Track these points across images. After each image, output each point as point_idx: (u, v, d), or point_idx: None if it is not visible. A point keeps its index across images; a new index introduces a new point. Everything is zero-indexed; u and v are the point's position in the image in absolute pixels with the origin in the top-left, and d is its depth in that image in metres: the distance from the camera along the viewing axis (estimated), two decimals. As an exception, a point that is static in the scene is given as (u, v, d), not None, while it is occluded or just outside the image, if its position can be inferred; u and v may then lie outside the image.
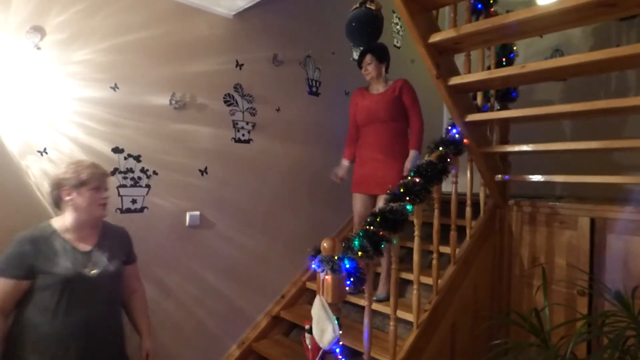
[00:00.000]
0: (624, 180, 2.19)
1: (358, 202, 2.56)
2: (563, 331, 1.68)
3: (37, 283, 1.47)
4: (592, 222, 2.19)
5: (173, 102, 2.23)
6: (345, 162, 2.64)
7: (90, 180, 1.55)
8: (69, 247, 1.54)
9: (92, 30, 1.97)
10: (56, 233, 1.54)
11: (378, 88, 2.55)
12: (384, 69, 2.53)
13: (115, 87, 2.05)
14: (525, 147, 2.24)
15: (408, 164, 2.37)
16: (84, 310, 1.51)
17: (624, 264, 2.07)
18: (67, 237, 1.55)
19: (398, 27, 3.68)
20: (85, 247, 1.58)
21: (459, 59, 2.19)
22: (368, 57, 2.48)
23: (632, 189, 2.73)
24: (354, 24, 2.26)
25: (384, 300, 2.35)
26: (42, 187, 1.83)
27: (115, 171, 2.05)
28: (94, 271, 1.54)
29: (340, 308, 1.60)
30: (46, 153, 1.85)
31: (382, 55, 2.50)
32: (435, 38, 1.88)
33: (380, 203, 2.41)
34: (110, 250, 1.63)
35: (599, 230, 2.17)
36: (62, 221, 1.57)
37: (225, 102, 2.47)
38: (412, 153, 2.40)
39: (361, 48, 2.55)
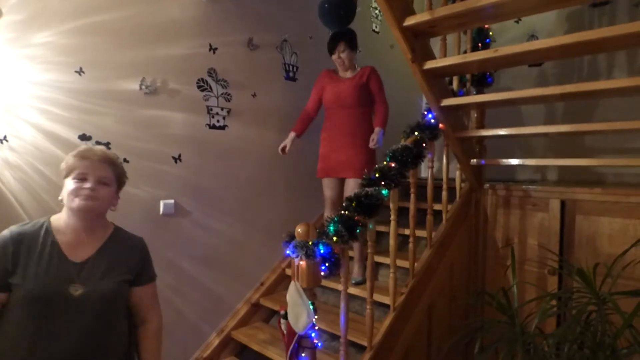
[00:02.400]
0: (594, 163, 2.24)
1: (327, 186, 2.57)
2: (533, 309, 1.72)
3: (11, 296, 1.15)
4: (563, 204, 2.24)
5: (143, 87, 2.16)
6: (292, 135, 2.58)
7: (73, 167, 1.24)
8: (57, 253, 1.20)
9: (54, 11, 1.87)
10: (48, 231, 1.22)
11: (346, 73, 2.54)
12: (354, 57, 2.52)
13: (80, 72, 1.96)
14: (500, 131, 2.26)
15: (375, 136, 2.38)
16: (60, 341, 1.14)
17: (591, 244, 2.13)
18: (60, 239, 1.22)
19: (377, 11, 3.64)
20: (79, 256, 1.23)
21: (435, 45, 2.18)
22: (342, 45, 2.45)
23: (601, 171, 2.81)
24: (326, 6, 2.22)
25: (360, 283, 2.38)
26: (2, 176, 1.75)
27: (83, 159, 1.97)
28: (79, 291, 1.17)
29: (316, 293, 1.60)
30: (7, 141, 1.77)
31: (354, 43, 2.50)
32: (410, 21, 1.86)
33: (350, 186, 2.42)
34: (111, 265, 1.26)
35: (568, 211, 2.23)
36: (58, 219, 1.27)
37: (198, 87, 2.40)
38: (377, 129, 2.42)
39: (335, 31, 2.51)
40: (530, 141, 3.23)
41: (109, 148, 2.05)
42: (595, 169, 2.84)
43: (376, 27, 3.65)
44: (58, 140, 1.90)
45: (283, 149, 2.57)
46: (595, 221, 2.10)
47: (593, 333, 1.16)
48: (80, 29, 1.95)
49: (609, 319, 1.29)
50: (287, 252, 1.55)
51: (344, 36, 2.45)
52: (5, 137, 1.77)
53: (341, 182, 2.54)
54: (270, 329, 2.59)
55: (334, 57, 2.51)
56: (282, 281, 2.83)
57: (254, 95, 2.68)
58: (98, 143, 2.02)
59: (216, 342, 2.49)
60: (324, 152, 2.58)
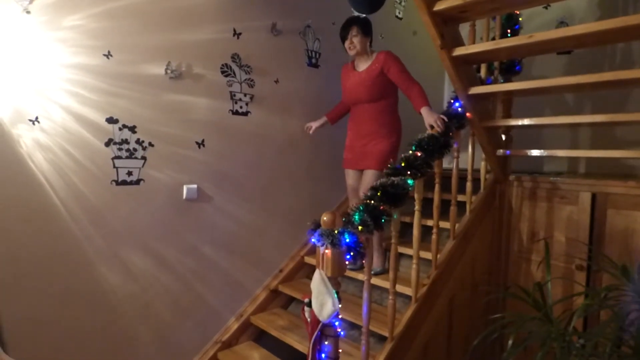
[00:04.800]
0: (627, 155, 2.16)
1: (349, 176, 2.58)
2: (561, 306, 1.68)
3: None
4: (594, 197, 2.17)
5: (169, 71, 2.16)
6: (324, 119, 2.68)
7: None
8: None
9: (83, -6, 1.88)
10: None
11: (361, 65, 2.46)
12: (368, 44, 2.43)
13: (108, 55, 1.97)
14: (528, 121, 2.20)
15: (430, 119, 2.06)
16: None
17: (624, 239, 2.06)
18: None
19: (400, -3, 3.55)
20: None
21: (464, 30, 2.12)
22: (354, 29, 2.35)
23: (633, 164, 2.71)
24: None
25: (380, 273, 2.36)
26: (34, 157, 1.78)
27: (110, 142, 2.00)
28: None
29: (340, 282, 1.59)
30: (38, 122, 1.79)
31: (367, 29, 2.40)
32: (440, 6, 1.80)
33: (367, 176, 2.39)
34: None
35: (599, 205, 2.16)
36: None
37: (222, 72, 2.39)
38: (424, 110, 2.14)
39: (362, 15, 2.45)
40: (557, 132, 3.14)
41: (134, 132, 2.07)
42: (627, 161, 2.74)
43: (399, 13, 3.56)
44: (86, 123, 1.92)
45: (309, 127, 2.65)
46: (629, 216, 2.03)
47: (638, 331, 1.11)
48: (108, 12, 1.96)
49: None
50: (313, 240, 1.54)
51: (358, 21, 2.38)
52: (37, 118, 1.79)
53: (361, 173, 2.51)
54: (288, 315, 2.61)
55: (347, 43, 2.40)
56: (301, 269, 2.84)
57: (276, 82, 2.66)
58: (124, 126, 2.03)
59: (235, 326, 2.52)
60: (347, 144, 2.58)
